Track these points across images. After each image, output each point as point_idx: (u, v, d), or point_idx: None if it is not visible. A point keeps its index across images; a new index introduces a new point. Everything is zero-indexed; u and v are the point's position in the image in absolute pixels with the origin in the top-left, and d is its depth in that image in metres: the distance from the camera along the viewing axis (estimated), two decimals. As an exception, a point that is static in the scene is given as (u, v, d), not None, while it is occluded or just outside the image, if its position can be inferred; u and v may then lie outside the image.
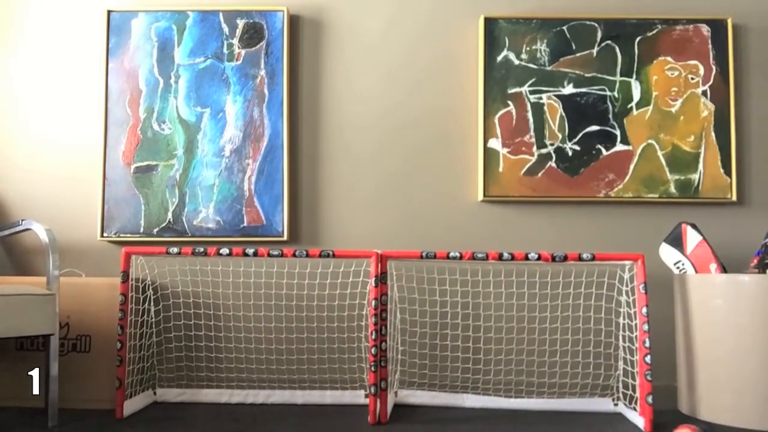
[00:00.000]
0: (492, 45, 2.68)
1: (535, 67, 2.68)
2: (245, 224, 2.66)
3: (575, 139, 2.65)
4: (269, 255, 2.35)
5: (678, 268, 2.46)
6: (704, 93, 2.65)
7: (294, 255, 2.36)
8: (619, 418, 2.38)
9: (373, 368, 2.25)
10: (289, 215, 2.67)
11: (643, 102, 2.65)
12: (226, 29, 2.71)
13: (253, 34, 2.71)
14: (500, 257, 2.32)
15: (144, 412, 2.38)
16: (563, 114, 2.66)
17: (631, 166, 2.64)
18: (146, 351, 2.57)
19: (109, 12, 2.73)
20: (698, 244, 2.42)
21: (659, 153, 2.64)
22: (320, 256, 2.35)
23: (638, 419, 2.25)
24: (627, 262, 2.41)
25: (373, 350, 2.25)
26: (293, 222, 2.70)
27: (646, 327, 2.25)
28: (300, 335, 2.65)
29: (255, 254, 2.35)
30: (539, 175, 2.65)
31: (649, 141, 2.65)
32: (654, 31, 2.67)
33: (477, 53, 2.72)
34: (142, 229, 2.67)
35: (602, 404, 2.49)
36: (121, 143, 2.70)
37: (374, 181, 2.71)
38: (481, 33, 2.69)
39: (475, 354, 2.63)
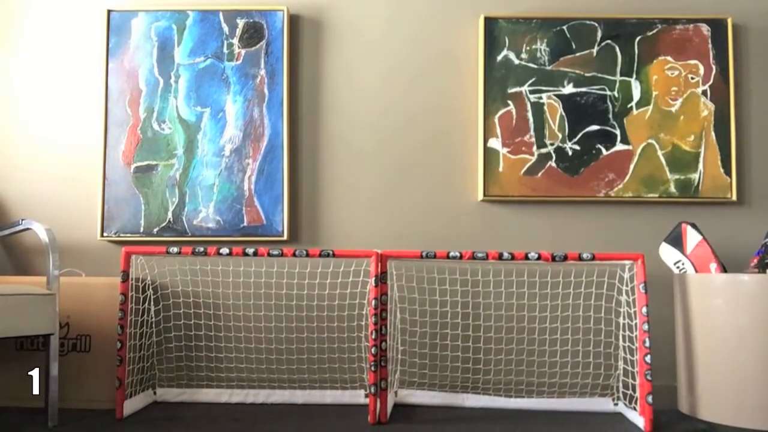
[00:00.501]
0: (492, 45, 2.68)
1: (535, 66, 2.68)
2: (245, 224, 2.66)
3: (575, 139, 2.65)
4: (269, 255, 2.35)
5: (678, 267, 2.46)
6: (704, 93, 2.65)
7: (294, 255, 2.36)
8: (619, 418, 2.38)
9: (373, 368, 2.25)
10: (289, 215, 2.67)
11: (643, 102, 2.65)
12: (226, 29, 2.71)
13: (253, 33, 2.71)
14: (500, 257, 2.32)
15: (144, 412, 2.38)
16: (563, 114, 2.66)
17: (631, 166, 2.64)
18: (146, 351, 2.57)
19: (109, 12, 2.73)
20: (698, 244, 2.42)
21: (659, 153, 2.64)
22: (320, 255, 2.35)
23: (638, 419, 2.25)
24: (627, 262, 2.40)
25: (373, 350, 2.25)
26: (293, 222, 2.70)
27: (646, 327, 2.25)
28: (300, 335, 2.65)
29: (255, 254, 2.35)
30: (539, 174, 2.65)
31: (649, 141, 2.64)
32: (654, 31, 2.67)
33: (477, 53, 2.72)
34: (142, 229, 2.67)
35: (602, 404, 2.49)
36: (121, 143, 2.70)
37: (374, 181, 2.71)
38: (481, 33, 2.69)
39: (475, 354, 2.63)
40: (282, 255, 2.35)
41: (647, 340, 2.25)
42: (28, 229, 2.32)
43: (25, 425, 2.18)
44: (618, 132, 2.65)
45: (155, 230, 2.67)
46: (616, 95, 2.66)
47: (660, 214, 2.65)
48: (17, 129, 2.78)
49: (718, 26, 2.67)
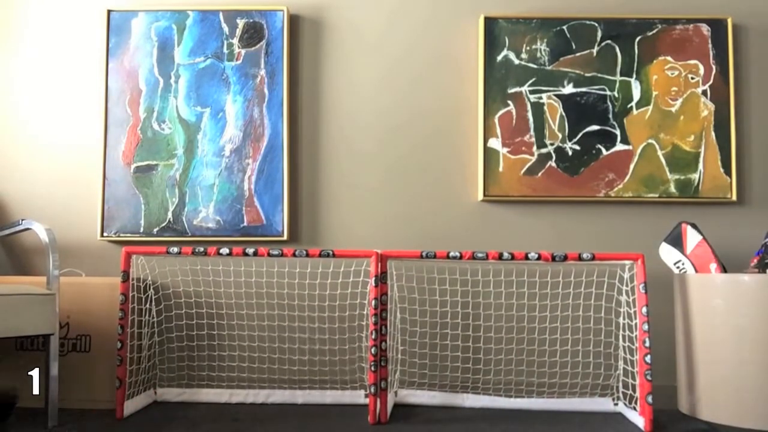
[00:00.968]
0: (492, 44, 2.68)
1: (535, 66, 2.68)
2: (245, 224, 2.66)
3: (575, 139, 2.65)
4: (269, 255, 2.35)
5: (678, 267, 2.46)
6: (704, 93, 2.65)
7: (294, 255, 2.36)
8: (619, 417, 2.38)
9: (373, 368, 2.25)
10: (289, 215, 2.67)
11: (643, 102, 2.65)
12: (226, 29, 2.71)
13: (253, 33, 2.71)
14: (500, 257, 2.32)
15: (144, 412, 2.38)
16: (563, 114, 2.66)
17: (631, 166, 2.64)
18: (146, 351, 2.57)
19: (109, 12, 2.73)
20: (698, 244, 2.42)
21: (659, 153, 2.64)
22: (320, 255, 2.35)
23: (638, 419, 2.25)
24: (627, 262, 2.41)
25: (373, 350, 2.25)
26: (293, 222, 2.70)
27: (645, 327, 2.25)
28: (300, 335, 2.65)
29: (255, 254, 2.35)
30: (539, 174, 2.65)
31: (649, 141, 2.64)
32: (654, 31, 2.67)
33: (477, 53, 2.72)
34: (142, 229, 2.68)
35: (602, 404, 2.49)
36: (121, 143, 2.70)
37: (374, 181, 2.71)
38: (481, 32, 2.69)
39: (475, 354, 2.63)
40: (282, 255, 2.35)
41: (647, 340, 2.25)
42: (28, 229, 2.32)
43: (25, 425, 2.18)
44: (618, 132, 2.65)
45: (155, 230, 2.67)
46: (616, 95, 2.66)
47: (660, 214, 2.65)
48: (17, 129, 2.78)
49: (718, 26, 2.67)
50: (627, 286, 2.50)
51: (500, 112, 2.66)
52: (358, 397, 2.53)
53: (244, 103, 2.70)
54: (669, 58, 2.67)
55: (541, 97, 2.67)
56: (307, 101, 2.74)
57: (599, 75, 2.67)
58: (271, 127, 2.69)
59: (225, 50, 2.71)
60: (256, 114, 2.69)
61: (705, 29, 2.67)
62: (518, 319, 2.63)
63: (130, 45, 2.73)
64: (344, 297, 2.64)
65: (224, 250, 2.34)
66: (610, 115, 2.66)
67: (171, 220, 2.68)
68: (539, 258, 2.31)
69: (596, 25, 2.68)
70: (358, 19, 2.75)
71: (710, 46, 2.66)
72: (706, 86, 2.65)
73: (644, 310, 2.27)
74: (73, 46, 2.78)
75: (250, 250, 2.35)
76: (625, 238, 2.65)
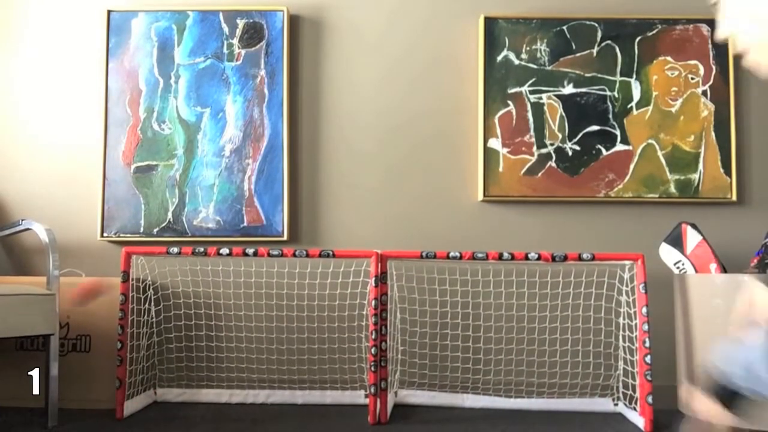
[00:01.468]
0: (492, 45, 2.68)
1: (535, 66, 2.68)
2: (245, 224, 2.66)
3: (575, 139, 2.65)
4: (269, 255, 2.35)
5: (678, 268, 2.46)
6: (704, 93, 2.65)
7: (294, 255, 2.36)
8: (619, 418, 2.38)
9: (373, 368, 2.25)
10: (289, 215, 2.67)
11: (643, 102, 2.65)
12: (226, 29, 2.71)
13: (253, 34, 2.71)
14: (500, 257, 2.32)
15: (144, 412, 2.38)
16: (563, 114, 2.66)
17: (631, 166, 2.64)
18: (146, 351, 2.57)
19: (109, 12, 2.73)
20: (698, 244, 2.42)
21: (659, 153, 2.64)
22: (320, 256, 2.35)
23: (638, 419, 2.25)
24: (627, 262, 2.41)
25: (373, 350, 2.25)
26: (293, 222, 2.70)
27: (645, 327, 2.25)
28: (300, 335, 2.65)
29: (255, 254, 2.35)
30: (539, 175, 2.65)
31: (649, 141, 2.64)
32: (654, 31, 2.67)
33: (477, 53, 2.71)
34: (142, 229, 2.67)
35: (602, 404, 2.49)
36: (121, 143, 2.70)
37: (374, 181, 2.71)
38: (481, 33, 2.69)
39: (475, 354, 2.63)
40: (282, 255, 2.35)
41: (647, 340, 2.25)
42: (28, 229, 2.32)
43: (25, 425, 2.17)
44: (618, 132, 2.65)
45: (155, 230, 2.67)
46: (616, 95, 2.66)
47: (660, 214, 2.65)
48: (17, 129, 2.78)
49: (718, 26, 2.66)
50: (627, 286, 2.50)
51: (500, 113, 2.66)
52: (358, 397, 2.53)
53: (244, 104, 2.70)
54: (669, 59, 2.67)
55: (541, 98, 2.67)
56: (307, 101, 2.74)
57: (599, 75, 2.67)
58: (271, 127, 2.69)
59: (225, 50, 2.71)
60: (256, 114, 2.69)
61: (705, 29, 2.67)
62: (518, 319, 2.63)
63: (130, 45, 2.73)
64: (344, 297, 2.64)
65: (224, 251, 2.34)
66: (610, 116, 2.66)
67: (171, 220, 2.68)
68: (539, 258, 2.31)
69: (596, 25, 2.68)
70: (358, 19, 2.75)
71: (710, 46, 2.66)
72: (706, 86, 2.65)
73: (644, 310, 2.27)
74: (73, 46, 2.78)
75: (250, 251, 2.35)
76: (625, 238, 2.65)
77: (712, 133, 2.64)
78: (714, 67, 2.66)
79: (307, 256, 2.36)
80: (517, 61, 2.68)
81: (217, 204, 2.68)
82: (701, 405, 0.80)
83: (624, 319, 2.50)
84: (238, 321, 2.66)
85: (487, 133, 2.66)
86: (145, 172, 2.69)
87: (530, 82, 2.67)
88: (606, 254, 2.35)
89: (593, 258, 2.33)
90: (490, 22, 2.69)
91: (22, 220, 2.36)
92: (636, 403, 2.31)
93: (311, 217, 2.71)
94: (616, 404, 2.49)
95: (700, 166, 2.63)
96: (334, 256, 2.35)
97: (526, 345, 2.62)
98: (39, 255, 2.72)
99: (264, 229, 2.66)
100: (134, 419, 2.27)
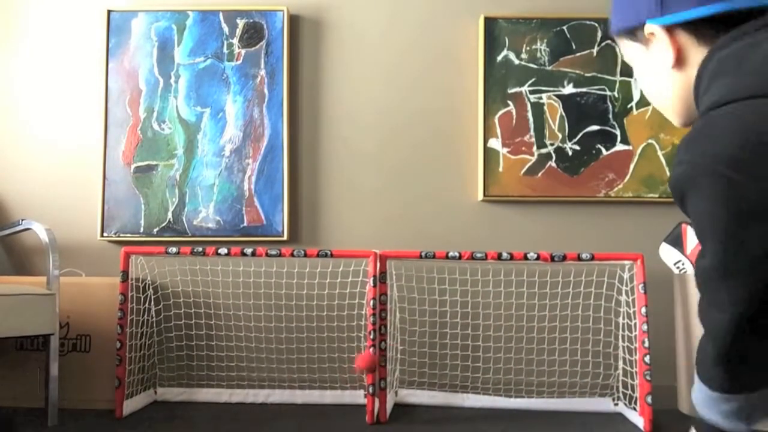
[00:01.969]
0: (492, 45, 2.68)
1: (535, 66, 2.68)
2: (245, 224, 2.67)
3: (575, 139, 2.65)
4: (267, 255, 2.35)
5: (678, 268, 2.45)
6: (704, 93, 2.64)
7: (292, 255, 2.36)
8: (619, 418, 2.38)
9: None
10: (289, 215, 2.67)
11: (643, 102, 2.65)
12: (226, 29, 2.71)
13: (253, 33, 2.71)
14: (499, 257, 2.32)
15: (144, 411, 2.38)
16: (563, 114, 2.66)
17: (631, 166, 2.64)
18: (146, 350, 2.57)
19: (109, 12, 2.73)
20: (698, 244, 2.41)
21: (659, 153, 2.64)
22: (318, 255, 2.35)
23: (638, 419, 2.25)
24: (627, 262, 2.40)
25: (372, 350, 2.25)
26: (293, 222, 2.70)
27: (645, 327, 2.25)
28: (300, 335, 2.65)
29: (253, 254, 2.35)
30: (539, 174, 2.64)
31: (649, 141, 2.64)
32: (654, 31, 2.66)
33: (477, 53, 2.71)
34: (142, 229, 2.68)
35: (602, 404, 2.49)
36: (121, 143, 2.70)
37: (374, 181, 2.71)
38: (481, 33, 2.69)
39: (474, 353, 2.63)
40: (280, 255, 2.36)
41: (647, 340, 2.25)
42: (28, 229, 2.32)
43: (25, 425, 2.18)
44: (618, 132, 2.65)
45: (155, 230, 2.67)
46: (616, 95, 2.66)
47: (660, 214, 2.65)
48: (17, 129, 2.78)
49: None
50: (627, 286, 2.50)
51: (500, 112, 2.66)
52: (357, 397, 2.53)
53: (244, 103, 2.70)
54: (669, 58, 2.66)
55: (541, 97, 2.67)
56: (307, 101, 2.74)
57: (599, 75, 2.67)
58: (271, 127, 2.69)
59: (225, 50, 2.71)
60: (256, 114, 2.69)
61: (705, 29, 2.66)
62: (518, 319, 2.63)
63: (130, 45, 2.73)
64: (344, 297, 2.64)
65: (223, 250, 2.34)
66: (610, 115, 2.65)
67: (171, 220, 2.68)
68: (538, 258, 2.31)
69: (596, 25, 2.68)
70: (358, 19, 2.75)
71: (710, 46, 2.65)
72: (706, 86, 2.64)
73: (644, 310, 2.27)
74: (73, 46, 2.78)
75: (249, 250, 2.35)
76: (625, 238, 2.65)
77: (712, 133, 2.63)
78: (714, 67, 2.65)
79: (306, 256, 2.36)
80: (517, 61, 2.67)
81: (217, 204, 2.68)
82: None
83: (623, 319, 2.50)
84: (238, 321, 2.66)
85: (487, 133, 2.66)
86: (145, 172, 2.70)
87: (530, 82, 2.67)
88: (606, 254, 2.35)
89: (593, 258, 2.33)
90: (490, 22, 2.68)
91: (22, 220, 2.36)
92: (636, 403, 2.31)
93: (311, 217, 2.71)
94: (615, 404, 2.49)
95: (700, 166, 2.62)
96: (332, 256, 2.35)
97: (526, 345, 2.62)
98: (39, 255, 2.72)
99: (264, 229, 2.66)
100: (134, 419, 2.27)
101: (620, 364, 2.52)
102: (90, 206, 2.72)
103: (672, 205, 2.65)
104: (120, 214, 2.68)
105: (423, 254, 2.35)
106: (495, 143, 2.65)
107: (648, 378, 2.22)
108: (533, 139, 2.66)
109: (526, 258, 2.31)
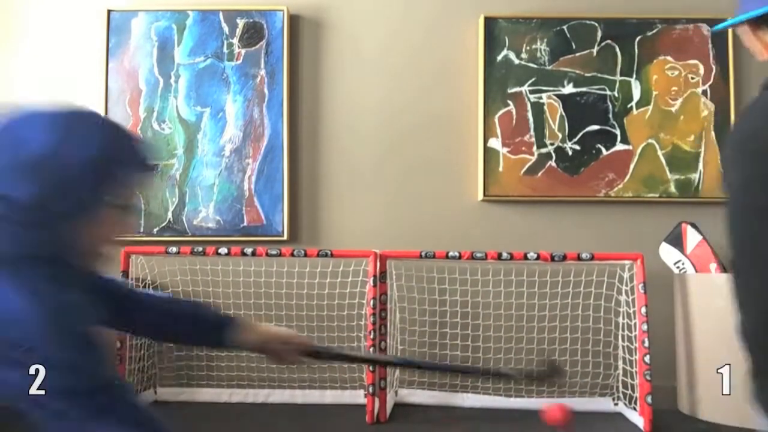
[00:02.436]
0: (492, 44, 2.68)
1: (535, 66, 2.67)
2: (245, 224, 2.67)
3: (575, 139, 2.65)
4: (267, 255, 2.35)
5: (678, 267, 2.46)
6: (704, 92, 2.65)
7: (292, 255, 2.36)
8: (619, 418, 2.38)
9: (371, 368, 2.25)
10: (289, 215, 2.67)
11: (643, 101, 2.65)
12: (226, 29, 2.71)
13: (253, 33, 2.71)
14: (499, 257, 2.32)
15: (144, 411, 2.38)
16: (563, 113, 2.66)
17: (631, 166, 2.64)
18: (146, 350, 2.57)
19: (109, 12, 2.73)
20: (698, 244, 2.42)
21: (659, 152, 2.64)
22: (318, 255, 2.35)
23: (638, 419, 2.25)
24: (627, 262, 2.40)
25: (371, 350, 2.25)
26: (293, 221, 2.70)
27: (645, 327, 2.25)
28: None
29: (253, 254, 2.35)
30: (539, 174, 2.64)
31: (649, 140, 2.64)
32: (654, 31, 2.67)
33: (477, 53, 2.71)
34: (141, 229, 2.67)
35: (602, 404, 2.49)
36: (121, 143, 2.70)
37: (374, 181, 2.71)
38: (481, 33, 2.69)
39: (474, 353, 2.63)
40: (280, 255, 2.36)
41: (646, 340, 2.25)
42: (28, 228, 2.32)
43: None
44: (618, 132, 2.65)
45: (155, 230, 2.67)
46: (616, 95, 2.66)
47: (660, 214, 2.65)
48: (17, 129, 2.77)
49: (718, 26, 2.66)
50: (626, 285, 2.49)
51: (500, 112, 2.66)
52: (357, 396, 2.53)
53: (244, 103, 2.70)
54: (669, 58, 2.66)
55: (541, 97, 2.67)
56: (307, 101, 2.74)
57: (599, 75, 2.67)
58: (271, 127, 2.69)
59: (225, 50, 2.71)
60: (256, 114, 2.69)
61: (705, 29, 2.66)
62: (518, 319, 2.63)
63: (130, 45, 2.73)
64: (343, 297, 2.64)
65: (223, 250, 2.34)
66: (610, 115, 2.65)
67: (171, 219, 2.68)
68: (538, 258, 2.31)
69: (596, 25, 2.68)
70: (358, 19, 2.75)
71: (710, 46, 2.66)
72: (706, 86, 2.65)
73: (643, 310, 2.27)
74: (73, 46, 2.78)
75: (249, 250, 2.35)
76: (625, 238, 2.65)
77: (712, 133, 2.64)
78: (714, 67, 2.65)
79: (305, 256, 2.36)
80: (517, 61, 2.67)
81: (217, 204, 2.68)
82: None
83: (623, 318, 2.50)
84: (238, 321, 2.65)
85: (487, 133, 2.66)
86: (145, 171, 2.69)
87: (530, 81, 2.67)
88: (605, 254, 2.35)
89: (592, 258, 2.33)
90: (490, 22, 2.68)
91: (22, 219, 2.36)
92: (636, 403, 2.30)
93: (311, 217, 2.71)
94: (615, 404, 2.49)
95: (700, 166, 2.63)
96: (332, 255, 2.36)
97: (526, 345, 2.62)
98: (39, 255, 2.71)
99: (264, 229, 2.66)
100: (134, 419, 2.27)
101: (620, 363, 2.51)
102: (90, 206, 2.72)
103: (672, 205, 2.65)
104: (120, 214, 2.68)
105: (423, 254, 2.35)
106: (495, 143, 2.65)
107: (648, 378, 2.22)
108: (533, 139, 2.66)
109: (526, 258, 2.31)
